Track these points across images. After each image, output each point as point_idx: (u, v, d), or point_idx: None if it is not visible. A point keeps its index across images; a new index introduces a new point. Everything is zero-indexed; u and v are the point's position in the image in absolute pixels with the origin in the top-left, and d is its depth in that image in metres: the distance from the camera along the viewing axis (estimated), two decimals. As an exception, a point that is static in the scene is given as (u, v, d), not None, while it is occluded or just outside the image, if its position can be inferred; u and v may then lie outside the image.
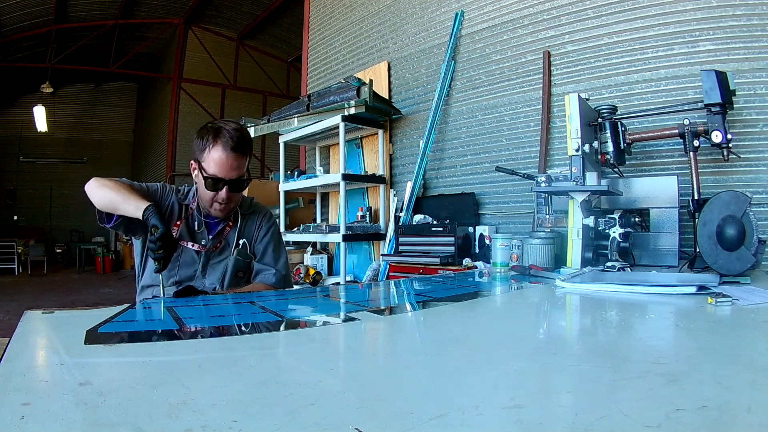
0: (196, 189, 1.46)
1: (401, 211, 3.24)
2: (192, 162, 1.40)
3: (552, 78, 2.72)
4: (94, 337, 0.70)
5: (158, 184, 1.49)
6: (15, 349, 0.65)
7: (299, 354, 0.71)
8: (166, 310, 0.91)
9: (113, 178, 1.36)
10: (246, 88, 11.11)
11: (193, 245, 1.42)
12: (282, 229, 4.15)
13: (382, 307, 1.10)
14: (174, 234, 1.37)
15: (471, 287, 1.50)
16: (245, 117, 4.12)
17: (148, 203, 1.24)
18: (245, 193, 1.51)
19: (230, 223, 1.48)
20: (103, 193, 1.30)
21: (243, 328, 0.83)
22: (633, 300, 1.14)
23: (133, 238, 1.56)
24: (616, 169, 1.96)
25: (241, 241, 1.45)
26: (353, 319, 0.93)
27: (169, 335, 0.72)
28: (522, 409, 0.46)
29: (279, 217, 3.97)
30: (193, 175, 1.41)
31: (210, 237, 1.46)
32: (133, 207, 1.25)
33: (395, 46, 3.67)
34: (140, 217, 1.23)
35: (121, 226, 1.39)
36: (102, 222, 1.37)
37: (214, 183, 1.33)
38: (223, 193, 1.35)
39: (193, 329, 0.78)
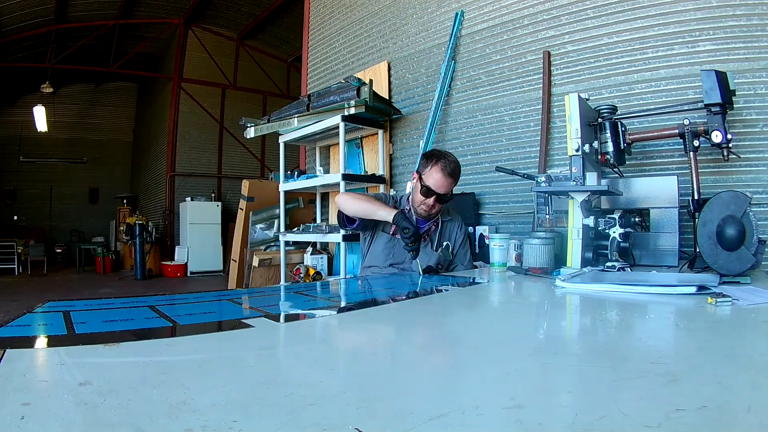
0: (409, 195, 1.95)
1: (401, 211, 3.24)
2: (414, 174, 1.89)
3: (552, 78, 2.72)
4: None
5: (382, 193, 2.02)
6: (14, 350, 0.65)
7: (299, 354, 0.71)
8: (62, 314, 0.89)
9: (359, 193, 1.86)
10: (246, 88, 11.11)
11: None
12: (282, 228, 4.15)
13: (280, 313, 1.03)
14: (392, 230, 1.85)
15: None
16: (245, 117, 4.12)
17: (396, 210, 1.74)
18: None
19: (435, 224, 1.95)
20: (359, 205, 1.84)
21: (132, 335, 0.80)
22: (633, 300, 1.14)
23: (351, 229, 2.01)
24: (616, 169, 1.96)
25: (445, 243, 1.89)
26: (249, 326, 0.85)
27: (53, 341, 0.71)
28: (522, 409, 0.46)
29: (279, 217, 3.96)
30: (412, 182, 1.90)
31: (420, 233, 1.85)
32: (386, 213, 1.75)
33: (395, 46, 3.67)
34: (391, 221, 1.71)
35: (359, 228, 1.94)
36: (343, 226, 1.94)
37: (427, 192, 1.80)
38: (430, 201, 1.82)
39: (80, 335, 0.76)
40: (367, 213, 1.80)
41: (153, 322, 0.89)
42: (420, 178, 1.83)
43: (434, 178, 1.78)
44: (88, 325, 0.85)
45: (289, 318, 0.99)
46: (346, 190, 1.98)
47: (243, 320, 0.87)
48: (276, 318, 0.95)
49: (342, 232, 3.22)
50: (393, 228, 1.84)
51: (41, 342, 0.73)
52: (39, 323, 0.85)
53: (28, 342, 0.73)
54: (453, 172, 1.80)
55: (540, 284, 1.46)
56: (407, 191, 1.93)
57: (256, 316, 0.93)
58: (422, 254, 1.82)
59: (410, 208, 1.90)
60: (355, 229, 1.92)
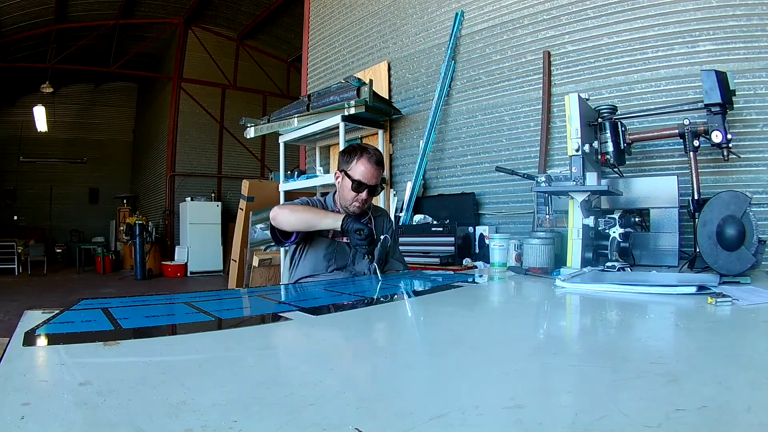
0: (334, 194, 1.82)
1: (401, 211, 3.24)
2: (337, 172, 1.75)
3: (552, 78, 2.72)
4: (31, 338, 0.70)
5: (308, 198, 1.80)
6: (15, 349, 0.65)
7: (299, 354, 0.71)
8: (101, 311, 0.91)
9: (293, 203, 1.72)
10: (246, 88, 11.11)
11: (345, 239, 1.74)
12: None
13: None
14: (330, 233, 1.73)
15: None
16: (245, 117, 4.12)
17: (344, 214, 1.64)
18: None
19: (368, 222, 1.81)
20: (299, 217, 1.66)
21: (177, 329, 0.84)
22: (633, 300, 1.14)
23: (289, 243, 1.81)
24: (616, 169, 1.96)
25: (382, 237, 1.73)
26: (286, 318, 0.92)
27: (105, 336, 0.72)
28: (522, 409, 0.46)
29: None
30: (337, 181, 1.75)
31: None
32: (332, 220, 1.62)
33: (395, 46, 3.67)
34: (340, 227, 1.59)
35: (297, 240, 1.75)
36: (280, 243, 1.74)
37: (358, 186, 1.68)
38: (363, 195, 1.70)
39: (128, 329, 0.79)
40: (310, 224, 1.66)
41: (193, 317, 0.93)
42: (346, 175, 1.71)
43: (362, 170, 1.68)
44: (131, 321, 0.87)
45: (321, 312, 1.02)
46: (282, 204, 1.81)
47: (280, 314, 0.96)
48: (312, 312, 0.99)
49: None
50: (331, 231, 1.72)
51: (92, 337, 0.72)
52: (82, 320, 0.86)
53: (79, 338, 0.73)
54: (379, 160, 1.71)
55: (540, 284, 1.46)
56: (336, 189, 1.81)
57: (290, 310, 1.00)
58: (361, 258, 1.75)
59: (337, 207, 1.79)
60: (294, 242, 1.76)
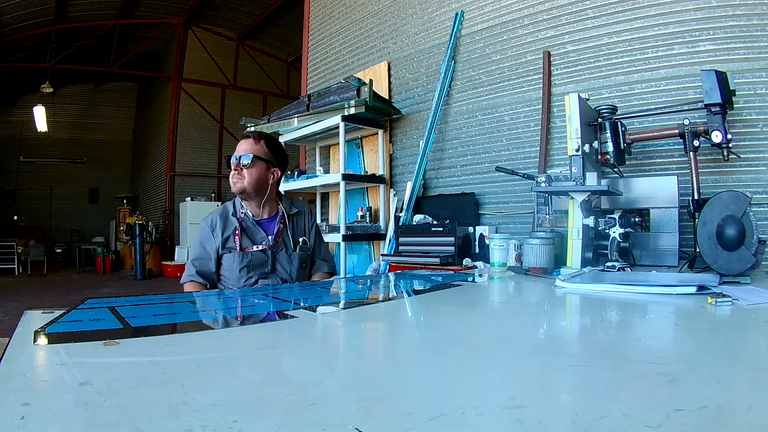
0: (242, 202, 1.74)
1: (401, 211, 3.24)
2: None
3: (552, 78, 2.72)
4: (40, 337, 0.72)
5: (208, 225, 1.71)
6: (15, 349, 0.65)
7: (299, 354, 0.71)
8: (109, 310, 0.92)
9: (190, 284, 1.67)
10: (246, 88, 11.11)
11: (257, 247, 1.68)
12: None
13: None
14: (237, 243, 1.67)
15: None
16: (245, 117, 4.12)
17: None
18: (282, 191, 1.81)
19: (282, 222, 1.75)
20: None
21: (184, 327, 0.88)
22: (633, 300, 1.14)
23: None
24: (616, 169, 1.96)
25: (301, 239, 1.74)
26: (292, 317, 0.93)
27: (115, 334, 0.73)
28: (522, 409, 0.46)
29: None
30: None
31: (269, 237, 1.71)
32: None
33: (395, 46, 3.67)
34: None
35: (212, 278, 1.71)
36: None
37: (227, 161, 1.67)
38: (232, 165, 1.65)
39: (138, 327, 0.80)
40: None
41: (201, 315, 0.96)
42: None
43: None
44: (139, 319, 0.88)
45: (323, 310, 1.04)
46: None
47: (286, 312, 0.98)
48: (313, 310, 1.00)
49: (341, 232, 3.22)
50: (238, 245, 1.66)
51: (101, 336, 0.73)
52: (90, 318, 0.87)
53: (93, 336, 0.74)
54: (251, 134, 1.70)
55: (540, 284, 1.46)
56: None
57: (296, 308, 1.02)
58: (282, 263, 1.70)
59: (244, 209, 1.71)
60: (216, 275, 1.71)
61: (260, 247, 1.68)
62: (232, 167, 1.65)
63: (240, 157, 1.65)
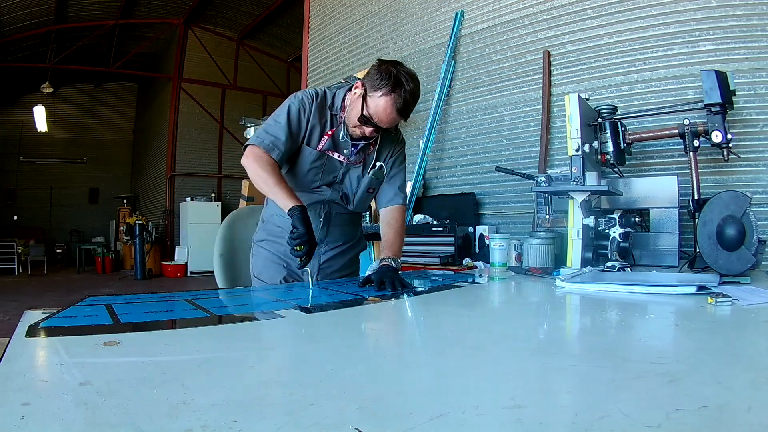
0: (344, 99, 1.47)
1: (401, 211, 3.24)
2: (360, 82, 1.39)
3: (552, 78, 2.72)
4: (34, 331, 0.74)
5: (308, 98, 1.46)
6: (15, 349, 0.65)
7: (299, 353, 0.71)
8: (104, 307, 0.95)
9: (264, 160, 1.37)
10: (246, 88, 11.11)
11: (337, 156, 1.48)
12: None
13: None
14: (322, 144, 1.45)
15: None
16: (245, 117, 4.12)
17: (294, 204, 1.29)
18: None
19: (373, 143, 1.53)
20: (258, 182, 1.38)
21: (174, 324, 0.89)
22: (633, 300, 1.14)
23: None
24: (616, 169, 1.96)
25: (378, 164, 1.52)
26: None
27: (103, 329, 0.77)
28: (522, 409, 0.46)
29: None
30: (353, 92, 1.41)
31: (353, 150, 1.49)
32: (283, 201, 1.31)
33: (395, 46, 3.67)
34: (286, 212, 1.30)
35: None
36: None
37: (366, 121, 1.37)
38: (367, 131, 1.40)
39: (127, 324, 0.83)
40: (269, 194, 1.39)
41: (191, 313, 0.95)
42: (364, 97, 1.36)
43: (380, 107, 1.34)
44: (131, 316, 0.89)
45: (314, 310, 1.02)
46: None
47: (275, 312, 0.96)
48: (307, 310, 0.99)
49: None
50: (322, 143, 1.45)
51: (90, 330, 0.76)
52: (84, 315, 0.89)
53: (78, 330, 0.77)
54: (404, 108, 1.35)
55: (540, 284, 1.46)
56: (349, 83, 1.47)
57: (286, 308, 0.99)
58: (352, 179, 1.52)
59: (343, 120, 1.46)
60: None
61: (340, 157, 1.48)
62: (368, 131, 1.40)
63: (384, 129, 1.43)
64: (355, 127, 1.41)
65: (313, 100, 1.46)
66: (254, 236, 1.65)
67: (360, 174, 1.53)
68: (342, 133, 1.46)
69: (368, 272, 1.47)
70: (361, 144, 1.49)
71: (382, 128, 1.40)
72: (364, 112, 1.36)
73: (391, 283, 1.25)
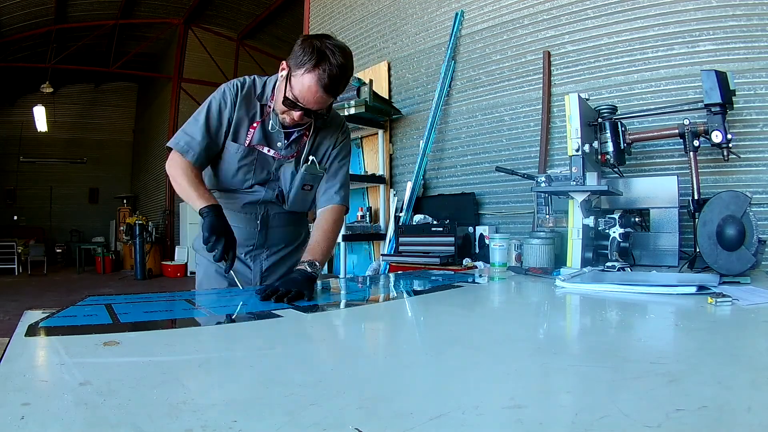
0: (275, 86, 1.33)
1: (401, 211, 3.24)
2: (284, 63, 1.26)
3: (552, 78, 2.72)
4: (33, 330, 0.75)
5: (231, 90, 1.35)
6: (15, 349, 0.65)
7: (299, 353, 0.71)
8: (104, 307, 0.95)
9: (178, 164, 1.28)
10: (246, 88, 11.09)
11: (268, 151, 1.35)
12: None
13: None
14: (249, 138, 1.32)
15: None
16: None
17: (204, 204, 1.21)
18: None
19: (306, 133, 1.37)
20: (179, 188, 1.29)
21: (174, 323, 0.89)
22: (633, 300, 1.14)
23: None
24: (616, 169, 1.96)
25: (310, 158, 1.37)
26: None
27: (102, 329, 0.77)
28: (522, 409, 0.46)
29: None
30: (279, 75, 1.28)
31: (286, 142, 1.36)
32: (193, 205, 1.24)
33: (395, 46, 3.67)
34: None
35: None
36: None
37: (291, 104, 1.23)
38: (295, 115, 1.26)
39: (126, 323, 0.83)
40: (185, 199, 1.28)
41: (189, 312, 0.96)
42: (288, 77, 1.22)
43: (304, 86, 1.19)
44: (131, 316, 0.90)
45: (309, 310, 1.01)
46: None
47: (273, 311, 0.95)
48: (303, 310, 0.98)
49: (342, 231, 3.22)
50: (249, 138, 1.33)
51: (90, 330, 0.76)
52: (84, 314, 0.89)
53: (78, 330, 0.77)
54: (330, 85, 1.19)
55: (540, 284, 1.46)
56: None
57: (285, 308, 0.99)
58: (286, 175, 1.38)
59: (272, 108, 1.32)
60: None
61: (271, 152, 1.35)
62: (296, 116, 1.26)
63: (312, 111, 1.26)
64: (283, 113, 1.27)
65: (238, 91, 1.34)
66: (194, 242, 1.50)
67: (294, 170, 1.37)
68: (272, 123, 1.33)
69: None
70: (294, 135, 1.35)
71: (311, 111, 1.24)
72: (287, 94, 1.22)
73: (283, 295, 1.06)
